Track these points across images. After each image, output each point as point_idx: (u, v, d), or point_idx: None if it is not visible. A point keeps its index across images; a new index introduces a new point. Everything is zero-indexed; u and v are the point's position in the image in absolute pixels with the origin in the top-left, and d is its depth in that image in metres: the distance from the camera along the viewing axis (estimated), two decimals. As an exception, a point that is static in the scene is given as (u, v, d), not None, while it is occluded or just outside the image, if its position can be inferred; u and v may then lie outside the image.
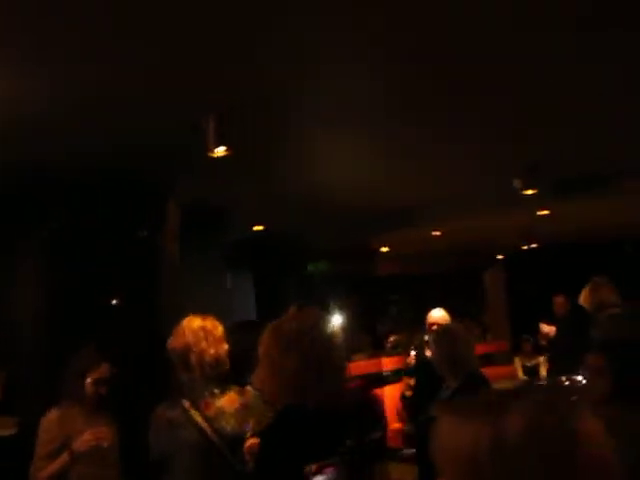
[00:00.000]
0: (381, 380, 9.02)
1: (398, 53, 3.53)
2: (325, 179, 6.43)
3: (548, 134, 5.26)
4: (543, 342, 7.20)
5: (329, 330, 2.53)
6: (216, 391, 3.22)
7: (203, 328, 3.24)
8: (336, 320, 10.24)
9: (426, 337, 5.55)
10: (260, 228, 8.54)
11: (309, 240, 9.73)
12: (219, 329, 3.31)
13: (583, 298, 5.55)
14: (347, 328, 10.78)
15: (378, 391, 8.74)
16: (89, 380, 3.59)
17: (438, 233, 9.01)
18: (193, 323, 3.27)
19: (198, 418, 3.14)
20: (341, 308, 10.72)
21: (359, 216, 8.14)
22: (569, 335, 5.87)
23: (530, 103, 4.49)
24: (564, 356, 5.40)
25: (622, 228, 10.06)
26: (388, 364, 9.08)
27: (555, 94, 4.33)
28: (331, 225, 8.67)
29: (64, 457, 3.38)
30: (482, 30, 3.30)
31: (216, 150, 3.88)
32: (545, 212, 7.86)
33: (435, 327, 5.38)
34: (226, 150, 3.90)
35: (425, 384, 5.23)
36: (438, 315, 6.61)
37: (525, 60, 3.72)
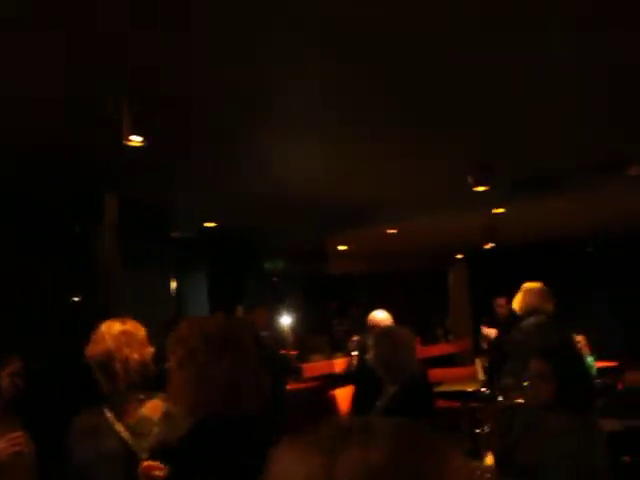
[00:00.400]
0: (336, 382, 8.83)
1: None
2: (273, 176, 6.25)
3: (496, 132, 5.15)
4: (484, 345, 7.16)
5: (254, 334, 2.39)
6: (141, 397, 3.04)
7: (124, 332, 3.04)
8: (290, 320, 10.09)
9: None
10: (212, 225, 8.31)
11: (265, 238, 9.55)
12: (141, 332, 3.11)
13: (515, 302, 5.67)
14: (303, 328, 10.66)
15: (333, 393, 8.57)
16: (3, 374, 3.34)
17: (394, 231, 8.88)
18: (113, 328, 3.06)
19: (119, 427, 2.97)
20: (298, 308, 10.57)
21: (313, 214, 7.97)
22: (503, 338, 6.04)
23: (473, 101, 4.38)
24: (501, 359, 5.53)
25: (581, 228, 10.02)
26: (343, 365, 8.88)
27: (494, 93, 4.24)
28: (286, 223, 8.53)
29: None
30: (420, 29, 3.25)
31: (131, 138, 3.65)
32: (500, 210, 7.77)
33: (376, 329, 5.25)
34: (143, 141, 3.68)
35: (365, 389, 5.08)
36: (380, 317, 6.48)
37: (462, 60, 3.63)
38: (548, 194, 6.93)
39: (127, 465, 2.85)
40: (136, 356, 2.98)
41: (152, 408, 3.00)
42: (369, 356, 4.23)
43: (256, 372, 2.22)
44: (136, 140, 3.71)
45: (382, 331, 4.49)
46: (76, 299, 5.43)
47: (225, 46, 3.30)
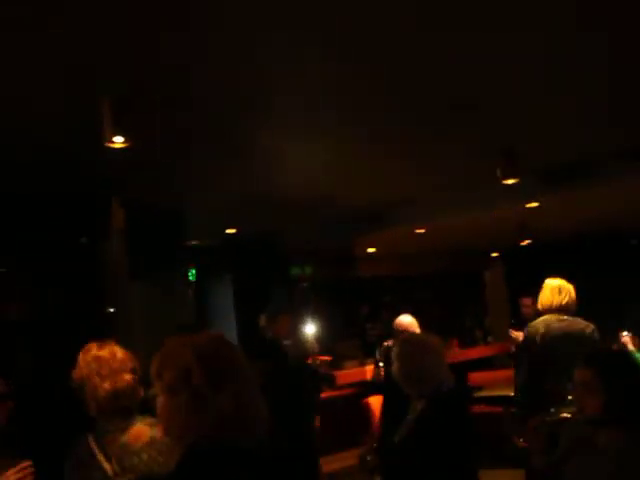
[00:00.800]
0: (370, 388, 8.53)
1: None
2: (288, 179, 6.01)
3: (523, 123, 4.94)
4: (512, 348, 6.73)
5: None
6: (122, 425, 2.78)
7: (97, 359, 2.81)
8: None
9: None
10: (233, 231, 8.04)
11: (290, 243, 9.26)
12: (118, 357, 2.83)
13: (539, 300, 5.27)
14: (334, 334, 10.35)
15: (367, 400, 8.29)
16: None
17: (422, 230, 8.49)
18: (88, 353, 2.85)
19: (101, 458, 2.72)
20: (327, 313, 10.26)
21: (336, 216, 7.73)
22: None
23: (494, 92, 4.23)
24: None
25: (621, 220, 9.54)
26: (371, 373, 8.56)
27: (511, 84, 4.10)
28: (309, 226, 8.25)
29: None
30: (419, 29, 3.22)
31: (114, 139, 3.36)
32: (534, 204, 7.36)
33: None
34: (124, 141, 3.39)
35: (394, 400, 4.74)
36: (406, 322, 6.12)
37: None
38: (582, 184, 6.53)
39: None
40: (106, 385, 2.75)
41: (135, 436, 2.74)
42: (393, 368, 3.87)
43: (257, 396, 1.94)
44: (118, 141, 3.42)
45: (406, 340, 4.08)
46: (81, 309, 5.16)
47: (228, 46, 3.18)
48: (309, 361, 6.56)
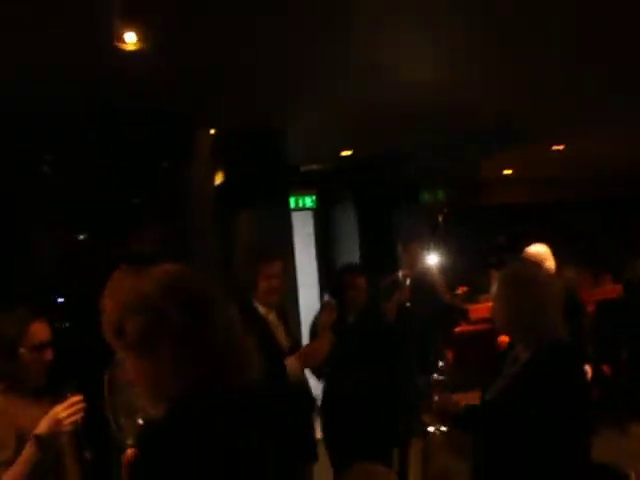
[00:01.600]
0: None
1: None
2: (408, 88, 5.24)
3: None
4: None
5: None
6: None
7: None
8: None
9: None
10: (348, 153, 7.42)
11: (418, 167, 8.54)
12: None
13: None
14: (467, 265, 9.67)
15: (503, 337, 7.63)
16: (23, 350, 2.65)
17: (560, 147, 7.44)
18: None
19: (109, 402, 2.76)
20: (461, 243, 9.54)
21: (461, 131, 6.84)
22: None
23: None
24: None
25: None
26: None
27: None
28: (437, 148, 7.45)
29: (29, 451, 2.42)
30: None
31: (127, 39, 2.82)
32: None
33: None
34: (137, 42, 2.83)
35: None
36: (538, 251, 5.27)
37: None
38: None
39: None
40: None
41: None
42: (492, 308, 3.13)
43: (243, 332, 1.56)
44: (130, 41, 2.87)
45: (514, 273, 3.24)
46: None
47: None
48: (444, 293, 6.07)
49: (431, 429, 3.12)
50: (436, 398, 2.90)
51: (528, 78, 5.31)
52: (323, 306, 3.96)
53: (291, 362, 3.36)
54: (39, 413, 2.45)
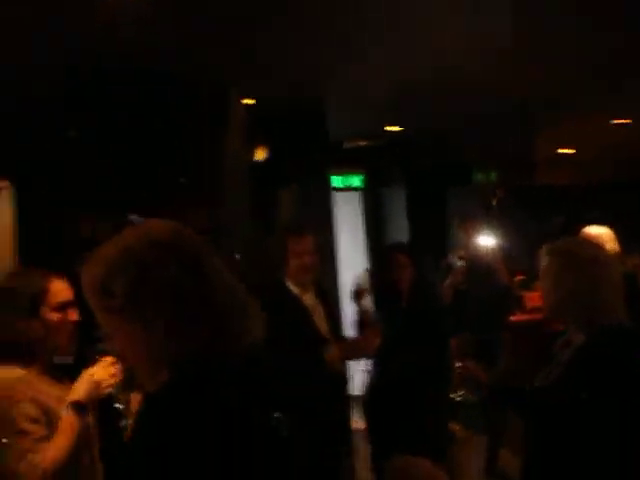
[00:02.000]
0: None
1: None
2: (455, 59, 4.97)
3: None
4: None
5: None
6: None
7: None
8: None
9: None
10: (395, 129, 7.11)
11: (469, 145, 8.20)
12: None
13: None
14: (524, 249, 9.31)
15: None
16: (45, 309, 2.44)
17: (623, 121, 6.98)
18: None
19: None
20: (516, 224, 9.17)
21: (513, 103, 6.46)
22: None
23: None
24: None
25: None
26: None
27: None
28: (486, 124, 7.10)
29: (68, 420, 2.20)
30: None
31: None
32: None
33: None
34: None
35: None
36: (599, 233, 4.95)
37: None
38: None
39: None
40: None
41: None
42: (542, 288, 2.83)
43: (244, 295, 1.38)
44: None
45: (569, 251, 2.91)
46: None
47: None
48: (503, 275, 5.89)
49: (458, 399, 2.91)
50: (459, 364, 2.68)
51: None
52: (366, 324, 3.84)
53: (332, 351, 3.29)
54: (62, 393, 2.26)
